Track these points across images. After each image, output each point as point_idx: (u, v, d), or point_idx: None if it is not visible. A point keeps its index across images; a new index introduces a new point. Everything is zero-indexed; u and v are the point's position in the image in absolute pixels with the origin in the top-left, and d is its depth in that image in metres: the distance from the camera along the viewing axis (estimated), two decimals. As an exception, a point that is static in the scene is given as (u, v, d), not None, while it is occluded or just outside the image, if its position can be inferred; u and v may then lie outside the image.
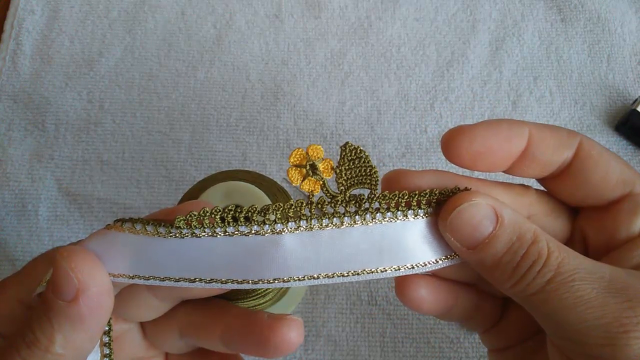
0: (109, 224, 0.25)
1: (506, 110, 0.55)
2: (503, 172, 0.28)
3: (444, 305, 0.29)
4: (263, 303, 0.39)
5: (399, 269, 0.25)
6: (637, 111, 0.52)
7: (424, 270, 0.25)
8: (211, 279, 0.24)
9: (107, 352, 0.28)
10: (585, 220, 0.28)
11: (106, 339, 0.28)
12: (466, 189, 0.26)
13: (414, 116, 0.55)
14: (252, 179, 0.40)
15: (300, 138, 0.54)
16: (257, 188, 0.39)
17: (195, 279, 0.24)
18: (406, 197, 0.25)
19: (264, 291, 0.39)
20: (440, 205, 0.26)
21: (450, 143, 0.26)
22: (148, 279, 0.25)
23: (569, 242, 0.29)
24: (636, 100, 0.53)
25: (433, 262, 0.25)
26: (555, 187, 0.28)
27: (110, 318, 0.27)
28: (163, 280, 0.24)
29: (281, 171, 0.52)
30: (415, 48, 0.58)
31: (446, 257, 0.26)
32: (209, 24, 0.59)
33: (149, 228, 0.24)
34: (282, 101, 0.55)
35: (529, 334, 0.29)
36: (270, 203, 0.24)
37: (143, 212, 0.51)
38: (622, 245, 0.26)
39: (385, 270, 0.25)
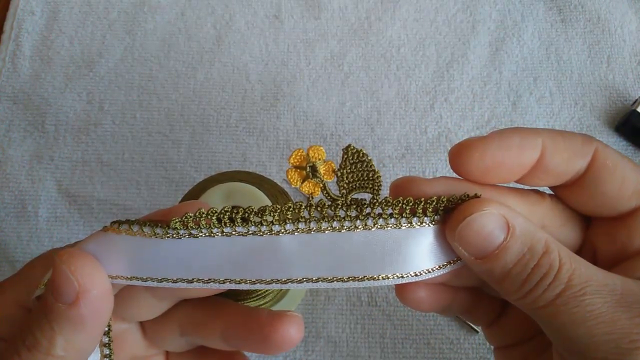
0: (105, 226, 0.25)
1: (506, 111, 0.55)
2: (514, 181, 0.27)
3: (442, 304, 0.29)
4: (263, 304, 0.39)
5: (403, 277, 0.24)
6: (637, 112, 0.52)
7: (429, 277, 0.25)
8: (209, 279, 0.24)
9: (107, 352, 0.28)
10: (597, 230, 0.27)
11: (106, 340, 0.28)
12: (476, 196, 0.25)
13: (414, 117, 0.55)
14: (252, 180, 0.40)
15: (300, 139, 0.54)
16: (257, 189, 0.39)
17: (193, 279, 0.24)
18: (411, 204, 0.24)
19: (264, 292, 0.38)
20: (448, 212, 0.25)
21: (459, 158, 0.25)
22: (146, 281, 0.24)
23: (579, 251, 0.28)
24: (636, 100, 0.53)
25: (437, 269, 0.25)
26: (568, 196, 0.27)
27: (110, 318, 0.27)
28: (160, 281, 0.24)
29: (281, 172, 0.52)
30: (415, 49, 0.58)
31: (451, 262, 0.25)
32: (209, 25, 0.59)
33: (145, 229, 0.24)
34: (282, 102, 0.55)
35: (532, 332, 0.29)
36: (270, 204, 0.24)
37: (143, 213, 0.50)
38: (634, 256, 0.26)
39: (388, 278, 0.24)
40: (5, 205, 0.51)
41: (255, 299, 0.38)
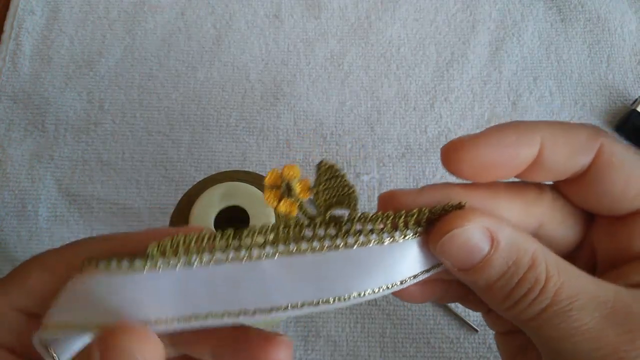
0: (82, 265, 0.22)
1: (506, 111, 0.55)
2: (512, 177, 0.26)
3: (436, 295, 0.28)
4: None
5: (389, 288, 0.23)
6: (637, 111, 0.52)
7: (416, 281, 0.24)
8: (191, 315, 0.21)
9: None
10: (599, 228, 0.26)
11: None
12: (460, 205, 0.23)
13: (414, 116, 0.55)
14: (251, 180, 0.40)
15: (300, 138, 0.54)
16: (256, 189, 0.39)
17: (174, 318, 0.21)
18: (391, 218, 0.23)
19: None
20: (431, 223, 0.24)
21: (451, 156, 0.24)
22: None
23: (579, 249, 0.27)
24: (636, 100, 0.53)
25: (421, 273, 0.24)
26: (570, 192, 0.26)
27: None
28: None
29: (281, 171, 0.52)
30: (415, 48, 0.58)
31: (435, 266, 0.24)
32: (209, 25, 0.59)
33: (123, 264, 0.21)
34: (282, 101, 0.55)
35: None
36: (252, 225, 0.23)
37: (143, 213, 0.51)
38: (634, 260, 0.24)
39: (375, 292, 0.22)
40: (5, 205, 0.51)
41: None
